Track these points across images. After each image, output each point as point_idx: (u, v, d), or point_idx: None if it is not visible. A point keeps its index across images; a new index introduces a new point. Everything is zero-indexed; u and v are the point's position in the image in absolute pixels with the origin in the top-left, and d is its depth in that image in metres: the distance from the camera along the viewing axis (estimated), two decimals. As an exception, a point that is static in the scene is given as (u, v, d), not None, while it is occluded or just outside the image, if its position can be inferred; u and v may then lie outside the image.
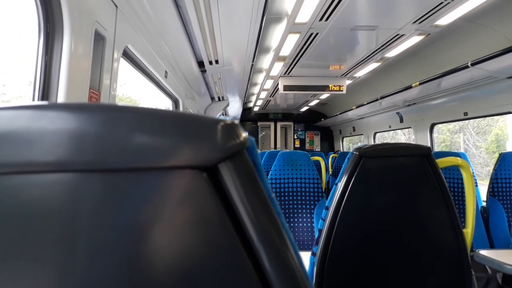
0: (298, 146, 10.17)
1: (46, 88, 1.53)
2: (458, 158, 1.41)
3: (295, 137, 10.27)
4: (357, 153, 1.23)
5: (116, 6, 1.99)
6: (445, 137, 17.22)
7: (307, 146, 10.17)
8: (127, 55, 2.40)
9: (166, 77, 3.38)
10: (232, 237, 0.28)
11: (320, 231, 1.29)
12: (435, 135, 4.76)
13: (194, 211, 0.27)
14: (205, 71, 4.20)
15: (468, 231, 1.39)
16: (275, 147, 10.14)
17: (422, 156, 1.24)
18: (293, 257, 0.30)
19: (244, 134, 0.30)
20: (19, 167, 0.27)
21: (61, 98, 1.53)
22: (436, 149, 5.93)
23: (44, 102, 0.28)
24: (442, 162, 1.34)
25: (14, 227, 0.27)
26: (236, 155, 0.29)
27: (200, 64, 4.01)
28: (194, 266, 0.27)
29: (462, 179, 2.71)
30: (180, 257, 0.27)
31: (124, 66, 2.13)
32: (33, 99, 1.52)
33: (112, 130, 0.27)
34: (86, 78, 1.69)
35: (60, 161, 0.26)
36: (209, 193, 0.28)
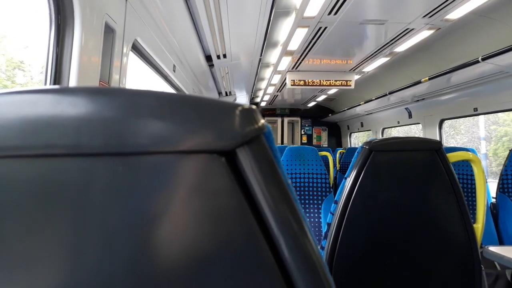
0: (305, 141, 10.14)
1: (57, 79, 1.55)
2: (469, 153, 1.40)
3: (302, 132, 10.24)
4: (367, 147, 1.23)
5: None
6: (508, 130, 12.85)
7: (314, 141, 10.14)
8: (136, 49, 2.41)
9: (174, 71, 3.39)
10: (250, 222, 0.28)
11: (329, 224, 1.29)
12: (492, 127, 4.69)
13: (212, 195, 0.27)
14: (212, 65, 4.20)
15: (479, 226, 1.38)
16: (282, 143, 10.12)
17: (433, 151, 1.23)
18: (311, 243, 0.29)
19: (262, 120, 0.30)
20: (40, 149, 0.27)
21: None
22: (497, 145, 5.86)
23: (64, 86, 0.28)
24: (452, 157, 1.33)
25: (29, 209, 0.27)
26: (254, 140, 0.28)
27: (208, 58, 4.01)
28: (211, 250, 0.27)
29: (471, 174, 2.70)
30: (197, 242, 0.27)
31: (130, 60, 2.14)
32: None
33: (132, 113, 0.27)
34: (96, 70, 1.71)
35: (80, 144, 0.26)
36: (227, 178, 0.28)
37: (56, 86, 0.28)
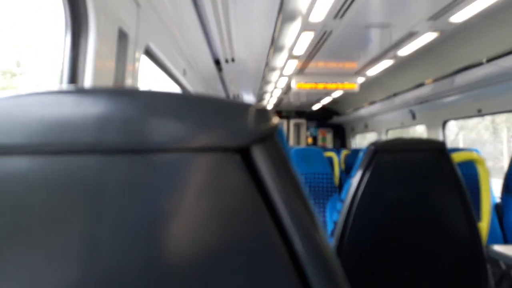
0: (311, 143, 10.15)
1: (73, 83, 1.59)
2: (473, 153, 1.41)
3: (308, 134, 10.25)
4: (372, 147, 1.24)
5: (138, 5, 2.05)
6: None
7: (320, 143, 10.14)
8: (148, 53, 2.46)
9: (184, 74, 3.42)
10: (265, 217, 0.28)
11: (335, 223, 1.31)
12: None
13: (228, 191, 0.28)
14: (221, 69, 4.25)
15: (484, 225, 1.38)
16: (288, 144, 10.10)
17: (437, 151, 1.25)
18: (323, 238, 0.30)
19: (276, 119, 0.31)
20: (63, 146, 0.28)
21: None
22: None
23: (87, 87, 0.30)
24: (457, 157, 1.34)
25: (52, 204, 0.28)
26: (269, 138, 0.29)
27: (217, 62, 4.06)
28: (227, 244, 0.28)
29: (474, 174, 2.70)
30: (214, 236, 0.28)
31: (143, 64, 2.19)
32: None
33: (150, 112, 0.28)
34: (110, 74, 1.75)
35: (101, 141, 0.28)
36: (243, 174, 0.28)
37: (79, 87, 0.30)
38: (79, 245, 0.27)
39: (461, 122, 8.74)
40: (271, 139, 0.30)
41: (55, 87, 0.30)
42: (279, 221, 0.29)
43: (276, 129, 0.30)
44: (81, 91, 0.29)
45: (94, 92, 0.29)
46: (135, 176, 0.28)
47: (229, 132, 0.28)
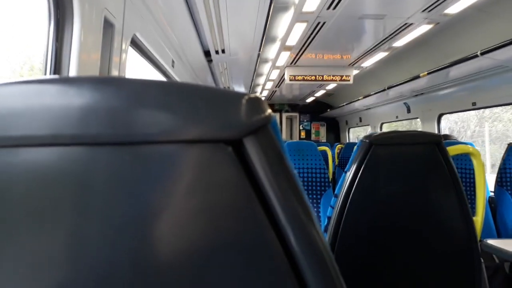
0: (304, 137, 10.17)
1: (57, 73, 1.55)
2: (469, 146, 1.40)
3: (301, 128, 10.26)
4: (367, 140, 1.23)
5: None
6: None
7: (313, 137, 10.17)
8: (135, 44, 2.41)
9: (173, 66, 3.39)
10: (258, 212, 0.28)
11: (329, 218, 1.29)
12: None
13: (219, 185, 0.27)
14: (211, 60, 4.21)
15: (478, 219, 1.39)
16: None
17: (433, 144, 1.24)
18: (319, 233, 0.29)
19: (269, 109, 0.29)
20: (47, 139, 0.27)
21: None
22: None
23: (72, 76, 0.28)
24: (452, 150, 1.34)
25: (35, 198, 0.27)
26: (261, 129, 0.28)
27: (207, 53, 4.02)
28: (219, 240, 0.27)
29: (469, 168, 2.71)
30: (205, 232, 0.27)
31: (129, 56, 2.15)
32: None
33: (138, 102, 0.27)
34: (96, 65, 1.71)
35: (86, 133, 0.26)
36: (234, 167, 0.27)
37: (62, 76, 0.28)
38: (65, 240, 0.27)
39: (487, 111, 8.16)
40: (264, 130, 0.28)
41: (38, 76, 0.28)
42: (273, 216, 0.28)
43: (269, 120, 0.29)
44: (64, 80, 0.28)
45: (78, 81, 0.28)
46: (122, 169, 0.27)
47: (220, 123, 0.27)
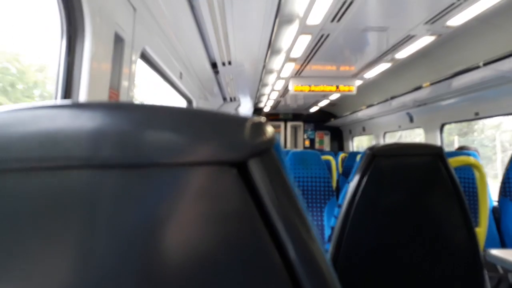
0: (308, 145, 10.16)
1: (68, 87, 1.58)
2: (471, 158, 1.42)
3: (305, 136, 10.25)
4: (370, 151, 1.24)
5: (135, 9, 2.04)
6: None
7: (317, 146, 10.16)
8: (144, 57, 2.46)
9: (181, 78, 3.42)
10: (262, 233, 0.28)
11: (332, 228, 1.31)
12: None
13: (224, 205, 0.28)
14: (218, 72, 4.24)
15: (481, 230, 1.38)
16: (285, 147, 10.15)
17: (435, 155, 1.24)
18: (319, 249, 0.30)
19: (272, 132, 0.31)
20: (58, 161, 0.28)
21: (82, 97, 1.58)
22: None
23: (81, 101, 0.30)
24: (454, 162, 1.34)
25: (46, 220, 0.28)
26: (265, 152, 0.29)
27: (213, 65, 4.06)
28: (222, 259, 0.28)
29: (471, 178, 2.71)
30: (210, 249, 0.28)
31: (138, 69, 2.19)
32: (56, 98, 1.57)
33: (146, 126, 0.28)
34: (106, 77, 1.74)
35: (96, 155, 0.27)
36: (239, 188, 0.28)
37: (74, 101, 0.29)
38: (73, 260, 0.27)
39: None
40: (268, 152, 0.29)
41: (50, 102, 0.29)
42: (275, 234, 0.29)
43: (273, 142, 0.30)
44: (76, 106, 0.29)
45: (89, 106, 0.29)
46: (130, 191, 0.28)
47: (226, 146, 0.28)
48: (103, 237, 0.27)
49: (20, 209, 0.28)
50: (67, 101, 0.29)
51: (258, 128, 0.29)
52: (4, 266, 0.27)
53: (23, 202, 0.28)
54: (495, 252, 1.82)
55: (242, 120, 0.29)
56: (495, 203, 2.76)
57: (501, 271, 2.31)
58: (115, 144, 0.27)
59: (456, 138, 8.76)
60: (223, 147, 0.28)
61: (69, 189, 0.28)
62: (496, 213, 2.67)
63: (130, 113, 0.28)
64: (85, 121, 0.28)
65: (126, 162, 0.27)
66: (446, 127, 4.92)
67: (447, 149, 4.57)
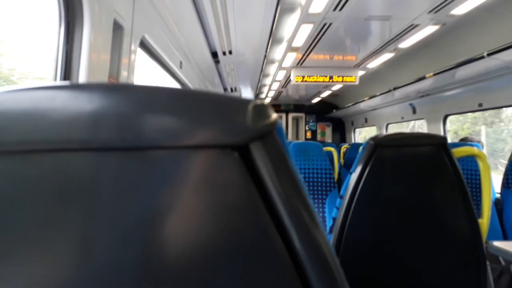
0: (310, 137, 10.14)
1: (67, 74, 1.57)
2: (475, 148, 1.40)
3: (307, 128, 10.24)
4: (372, 142, 1.23)
5: None
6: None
7: (319, 137, 10.14)
8: (144, 45, 2.43)
9: (181, 67, 3.40)
10: (263, 215, 0.28)
11: (334, 219, 1.30)
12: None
13: (225, 189, 0.28)
14: (218, 61, 4.23)
15: (484, 221, 1.38)
16: (287, 138, 10.13)
17: (438, 146, 1.23)
18: (323, 236, 0.30)
19: (275, 115, 0.30)
20: (58, 144, 0.27)
21: None
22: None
23: (81, 82, 0.29)
24: (458, 152, 1.33)
25: (46, 202, 0.28)
26: (267, 135, 0.29)
27: (214, 54, 4.04)
28: (224, 243, 0.28)
29: (474, 170, 2.70)
30: (211, 235, 0.28)
31: (138, 57, 2.17)
32: None
33: (146, 108, 0.27)
34: (105, 66, 1.73)
35: (96, 138, 0.27)
36: (241, 172, 0.28)
37: (73, 82, 0.28)
38: (73, 243, 0.27)
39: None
40: (270, 136, 0.29)
41: (49, 82, 0.29)
42: (278, 219, 0.28)
43: (275, 126, 0.29)
44: (74, 87, 0.28)
45: (88, 87, 0.28)
46: (130, 174, 0.27)
47: (227, 129, 0.28)
48: (104, 220, 0.27)
49: (19, 191, 0.28)
50: (65, 82, 0.30)
51: (260, 110, 0.29)
52: (3, 248, 0.27)
53: (22, 184, 0.28)
54: (497, 243, 1.82)
55: (244, 102, 0.29)
56: (498, 195, 2.76)
57: (503, 262, 2.30)
58: (115, 126, 0.27)
59: (483, 128, 8.14)
60: (224, 130, 0.27)
61: (69, 172, 0.27)
62: (498, 204, 2.67)
63: (129, 94, 0.28)
64: (84, 103, 0.27)
65: (126, 145, 0.27)
66: (469, 116, 4.83)
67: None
